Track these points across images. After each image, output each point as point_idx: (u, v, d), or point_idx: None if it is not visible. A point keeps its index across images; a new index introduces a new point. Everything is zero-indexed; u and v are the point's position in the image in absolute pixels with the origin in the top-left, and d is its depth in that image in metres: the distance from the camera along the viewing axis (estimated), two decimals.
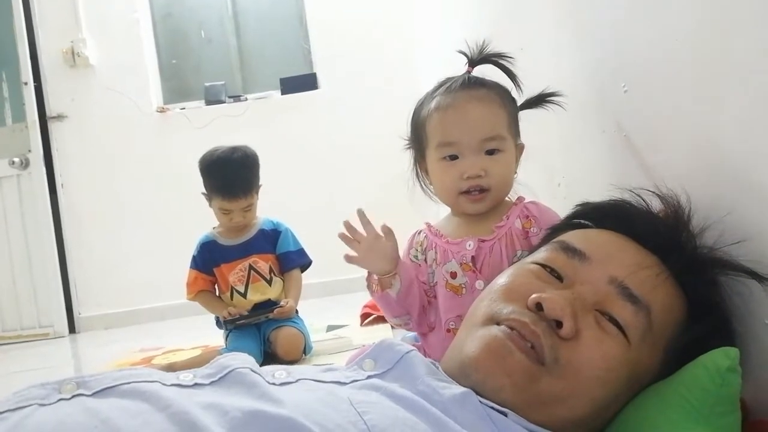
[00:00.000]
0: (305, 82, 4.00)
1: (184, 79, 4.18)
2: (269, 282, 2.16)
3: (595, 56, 1.20)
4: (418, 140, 1.18)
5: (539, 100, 1.15)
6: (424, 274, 1.18)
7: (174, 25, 4.19)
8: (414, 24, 3.73)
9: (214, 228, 2.22)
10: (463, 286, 1.11)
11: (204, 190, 2.17)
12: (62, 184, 3.91)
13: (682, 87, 0.87)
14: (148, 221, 3.74)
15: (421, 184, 1.22)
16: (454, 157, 1.10)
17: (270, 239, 2.21)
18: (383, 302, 1.17)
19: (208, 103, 4.00)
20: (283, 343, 2.02)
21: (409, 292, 1.14)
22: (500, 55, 1.15)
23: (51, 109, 3.91)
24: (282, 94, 4.01)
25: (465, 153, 1.09)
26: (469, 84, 1.12)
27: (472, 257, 1.11)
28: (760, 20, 0.69)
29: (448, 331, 1.12)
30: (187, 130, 3.90)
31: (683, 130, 0.88)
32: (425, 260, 1.18)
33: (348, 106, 3.89)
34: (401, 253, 1.21)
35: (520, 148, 1.17)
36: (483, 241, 1.11)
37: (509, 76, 1.17)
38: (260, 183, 2.19)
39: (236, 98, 4.04)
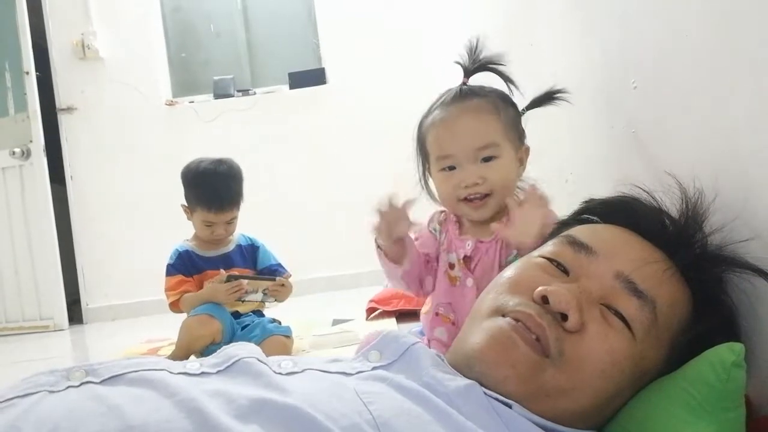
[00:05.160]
0: (314, 77, 4.00)
1: (193, 72, 4.19)
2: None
3: (604, 52, 1.20)
4: (422, 153, 1.23)
5: (546, 99, 1.18)
6: (433, 247, 1.24)
7: (183, 19, 4.20)
8: (423, 18, 3.72)
9: (187, 240, 2.16)
10: (458, 278, 1.17)
11: (184, 203, 2.12)
12: (71, 176, 3.93)
13: (692, 83, 0.87)
14: (156, 213, 3.75)
15: (428, 193, 1.26)
16: (452, 168, 1.15)
17: (247, 255, 2.17)
18: (386, 267, 1.24)
19: (217, 96, 4.01)
20: (273, 353, 1.96)
21: (411, 272, 1.20)
22: (493, 61, 1.19)
23: (60, 100, 3.93)
24: (290, 88, 4.01)
25: (461, 163, 1.14)
26: (461, 96, 1.16)
27: (466, 257, 1.16)
28: None
29: (437, 314, 1.19)
30: (196, 123, 3.91)
31: (693, 127, 0.88)
32: (438, 235, 1.25)
33: (356, 101, 3.90)
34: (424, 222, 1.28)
35: (525, 151, 1.19)
36: (481, 242, 1.16)
37: (505, 81, 1.20)
38: (243, 197, 2.14)
39: (245, 92, 4.04)
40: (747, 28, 0.73)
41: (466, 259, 1.16)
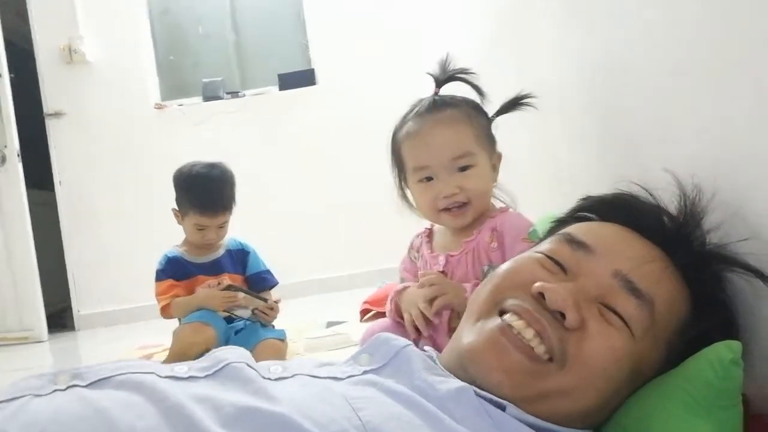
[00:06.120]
0: (303, 78, 3.99)
1: (182, 75, 4.17)
2: None
3: (601, 50, 1.19)
4: (398, 163, 1.24)
5: (513, 105, 1.20)
6: (416, 273, 1.25)
7: (172, 21, 4.18)
8: (413, 18, 3.72)
9: (176, 246, 2.15)
10: None
11: (175, 206, 2.11)
12: (60, 181, 3.90)
13: (689, 82, 0.86)
14: (147, 217, 3.73)
15: (406, 202, 1.27)
16: (430, 178, 1.16)
17: (237, 259, 2.16)
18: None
19: (206, 99, 3.99)
20: (267, 357, 1.97)
21: None
22: (464, 71, 1.22)
23: (48, 106, 3.90)
24: (280, 89, 4.00)
25: (438, 174, 1.15)
26: (434, 106, 1.18)
27: (441, 272, 1.17)
28: None
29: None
30: (185, 126, 3.90)
31: (690, 126, 0.87)
32: (418, 261, 1.27)
33: (346, 101, 3.89)
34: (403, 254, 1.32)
35: (497, 157, 1.21)
36: (451, 256, 1.17)
37: (476, 91, 1.22)
38: (236, 202, 2.13)
39: (234, 94, 4.03)
40: (744, 28, 0.72)
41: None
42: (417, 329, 1.12)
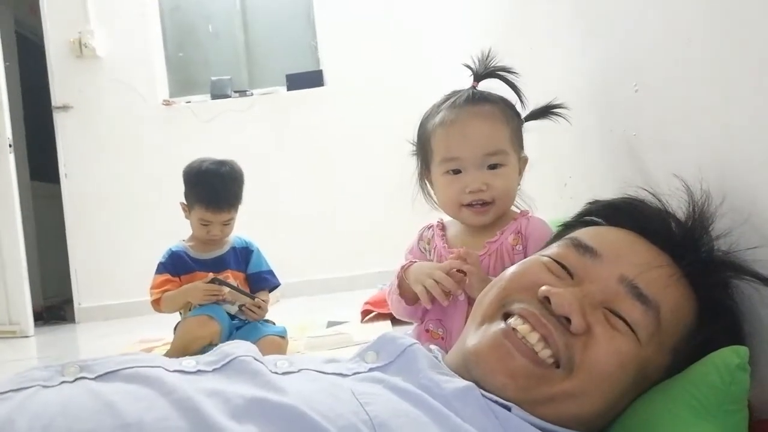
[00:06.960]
0: (311, 79, 4.00)
1: (191, 72, 4.18)
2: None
3: (606, 56, 1.19)
4: (423, 152, 1.20)
5: (544, 112, 1.17)
6: None
7: (182, 19, 4.19)
8: (422, 20, 3.73)
9: (183, 240, 2.17)
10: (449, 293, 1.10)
11: (183, 200, 2.14)
12: (66, 174, 3.91)
13: (693, 86, 0.86)
14: (151, 213, 3.74)
15: (425, 193, 1.24)
16: (457, 171, 1.13)
17: (241, 258, 2.17)
18: (407, 310, 1.19)
19: (214, 97, 4.00)
20: (268, 353, 1.96)
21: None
22: (505, 69, 1.18)
23: (57, 99, 3.91)
24: (288, 90, 4.01)
25: (467, 168, 1.12)
26: (473, 99, 1.14)
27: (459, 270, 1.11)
28: None
29: (427, 331, 1.14)
30: (192, 123, 3.90)
31: (694, 130, 0.87)
32: (429, 254, 1.21)
33: (353, 103, 3.90)
34: (411, 243, 1.26)
35: (523, 161, 1.18)
36: None
37: (514, 91, 1.19)
38: (242, 200, 2.15)
39: (242, 93, 4.04)
40: (748, 32, 0.72)
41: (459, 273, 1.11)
42: (431, 300, 1.06)
